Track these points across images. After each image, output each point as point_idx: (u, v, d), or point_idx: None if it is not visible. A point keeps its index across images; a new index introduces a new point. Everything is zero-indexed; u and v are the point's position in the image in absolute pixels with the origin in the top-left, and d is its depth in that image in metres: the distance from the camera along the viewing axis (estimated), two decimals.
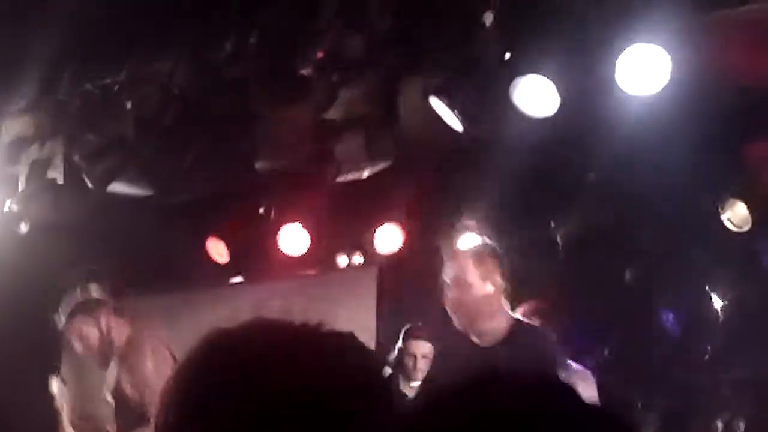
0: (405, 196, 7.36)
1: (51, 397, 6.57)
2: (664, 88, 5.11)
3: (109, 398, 6.13)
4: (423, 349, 6.53)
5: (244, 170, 6.59)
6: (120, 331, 6.19)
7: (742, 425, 7.36)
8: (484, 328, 5.13)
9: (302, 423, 1.53)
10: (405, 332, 6.67)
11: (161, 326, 6.39)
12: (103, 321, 6.21)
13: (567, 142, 6.24)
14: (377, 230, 7.65)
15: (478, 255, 5.17)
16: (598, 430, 1.30)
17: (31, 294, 7.69)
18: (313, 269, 7.95)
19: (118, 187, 6.70)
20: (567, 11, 5.22)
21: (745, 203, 6.55)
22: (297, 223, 7.66)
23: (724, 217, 6.63)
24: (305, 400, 1.54)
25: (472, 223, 6.53)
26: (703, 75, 5.16)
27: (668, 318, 7.51)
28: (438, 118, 5.63)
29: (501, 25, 5.41)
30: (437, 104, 5.61)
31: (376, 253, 7.74)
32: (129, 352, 6.08)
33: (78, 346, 6.30)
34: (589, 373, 6.17)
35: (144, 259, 7.77)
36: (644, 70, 5.09)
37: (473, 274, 5.10)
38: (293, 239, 7.71)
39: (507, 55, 5.43)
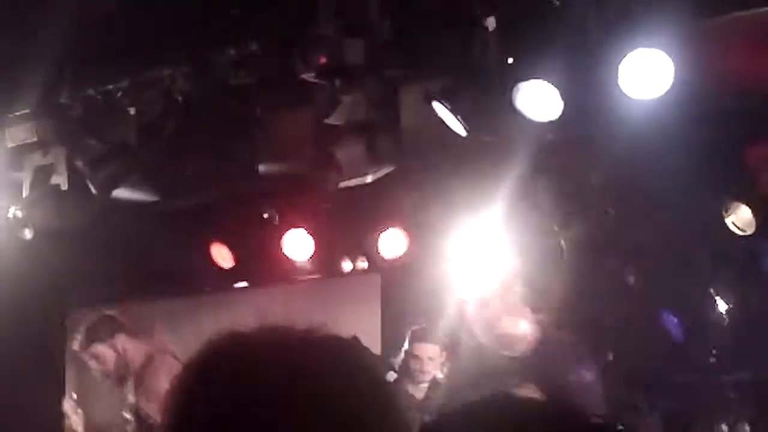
0: (409, 201, 7.35)
1: (61, 415, 6.62)
2: (666, 92, 5.11)
3: (128, 416, 6.19)
4: (429, 351, 6.54)
5: (247, 175, 6.60)
6: (136, 353, 6.24)
7: (747, 428, 7.33)
8: (508, 338, 5.15)
9: (307, 428, 1.54)
10: (410, 335, 6.68)
11: (164, 331, 6.41)
12: (119, 343, 6.26)
13: (570, 146, 6.24)
14: (381, 235, 7.64)
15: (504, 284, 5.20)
16: None
17: (35, 300, 7.72)
18: (317, 274, 7.94)
19: (121, 193, 6.71)
20: (569, 16, 5.23)
21: (749, 206, 6.54)
22: (301, 229, 7.67)
23: (728, 220, 6.62)
24: (309, 404, 1.54)
25: (476, 229, 6.53)
26: (705, 79, 5.16)
27: (671, 321, 7.49)
28: (441, 123, 5.64)
29: (503, 29, 5.42)
30: (440, 109, 5.61)
31: (380, 257, 7.73)
32: (145, 374, 6.13)
33: (94, 366, 6.35)
34: (593, 375, 6.17)
35: (148, 264, 7.78)
36: (646, 74, 5.09)
37: (495, 295, 5.12)
38: (297, 244, 7.72)
39: (509, 60, 5.44)
